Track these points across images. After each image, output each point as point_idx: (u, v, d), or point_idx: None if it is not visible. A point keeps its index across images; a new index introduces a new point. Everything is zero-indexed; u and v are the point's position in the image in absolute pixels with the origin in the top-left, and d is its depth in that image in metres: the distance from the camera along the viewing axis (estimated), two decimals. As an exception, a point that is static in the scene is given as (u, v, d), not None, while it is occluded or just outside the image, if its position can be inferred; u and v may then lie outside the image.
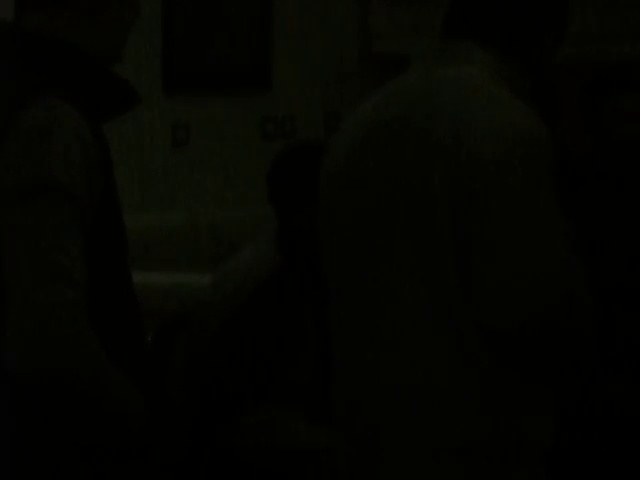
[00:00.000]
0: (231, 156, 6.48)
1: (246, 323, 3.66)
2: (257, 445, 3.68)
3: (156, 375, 2.89)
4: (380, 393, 2.52)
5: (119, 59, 2.39)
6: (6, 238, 2.10)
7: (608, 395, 4.01)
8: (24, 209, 2.10)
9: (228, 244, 5.52)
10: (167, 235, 5.98)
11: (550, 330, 2.44)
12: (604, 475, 3.77)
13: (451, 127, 2.40)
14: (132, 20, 2.40)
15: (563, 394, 2.79)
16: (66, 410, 2.18)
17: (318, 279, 2.83)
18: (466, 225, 2.37)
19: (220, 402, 3.66)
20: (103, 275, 2.18)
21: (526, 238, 2.39)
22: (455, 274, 2.39)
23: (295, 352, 3.71)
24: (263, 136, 6.87)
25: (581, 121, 4.34)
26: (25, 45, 2.34)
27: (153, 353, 3.83)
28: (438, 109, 2.44)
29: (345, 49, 7.68)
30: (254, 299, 3.63)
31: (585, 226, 3.08)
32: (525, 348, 2.45)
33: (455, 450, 2.46)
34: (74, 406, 2.18)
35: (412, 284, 2.49)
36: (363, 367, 2.57)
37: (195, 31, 6.96)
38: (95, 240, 2.13)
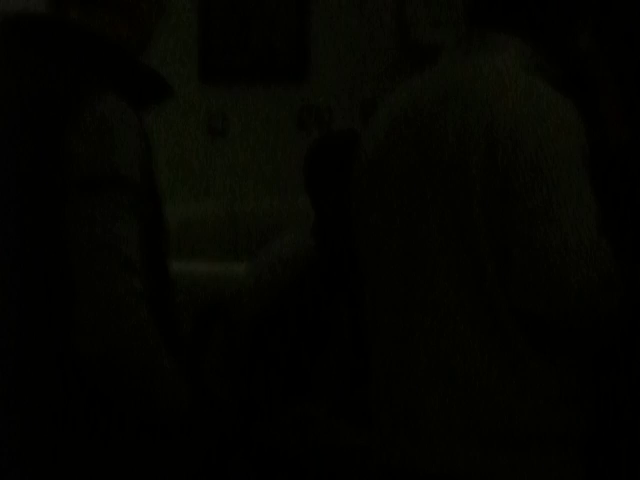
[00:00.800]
0: (267, 145, 6.32)
1: (284, 313, 3.54)
2: (294, 441, 3.56)
3: (195, 364, 3.40)
4: (419, 380, 2.38)
5: (142, 52, 2.36)
6: (72, 229, 2.09)
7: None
8: (91, 202, 2.10)
9: (265, 233, 5.23)
10: (204, 224, 5.83)
11: (584, 313, 2.28)
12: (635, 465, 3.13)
13: (487, 116, 2.28)
14: (160, 16, 2.38)
15: (598, 379, 2.55)
16: (122, 391, 2.16)
17: (353, 269, 2.80)
18: (505, 211, 2.24)
19: (258, 392, 3.53)
20: (150, 264, 2.16)
21: (565, 222, 2.26)
22: (492, 261, 2.26)
23: (332, 345, 3.60)
24: (299, 125, 6.60)
25: (621, 111, 4.81)
26: (67, 40, 2.35)
27: (192, 342, 3.80)
28: (473, 98, 2.33)
29: (382, 38, 7.32)
30: (292, 289, 3.55)
31: (618, 215, 2.69)
32: (560, 332, 2.32)
33: (494, 434, 2.34)
34: (131, 388, 2.17)
35: (449, 271, 2.35)
36: (402, 355, 2.44)
37: (232, 20, 6.82)
38: (146, 230, 2.14)
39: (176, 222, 5.19)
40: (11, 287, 2.26)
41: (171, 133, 6.46)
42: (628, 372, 2.89)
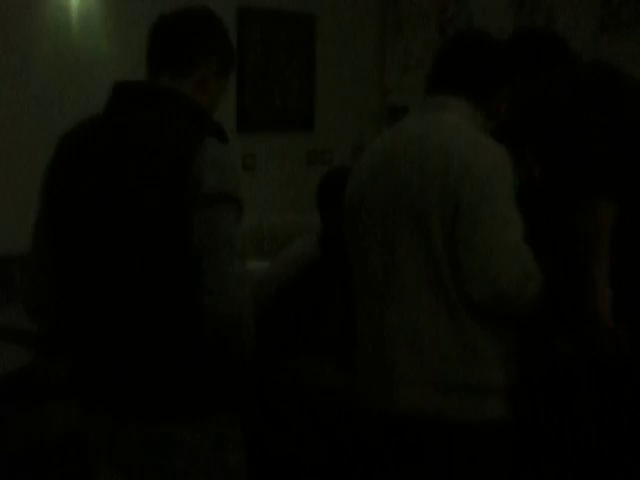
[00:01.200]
0: (285, 177, 6.89)
1: (294, 292, 4.24)
2: (296, 383, 4.20)
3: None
4: (392, 344, 3.12)
5: (213, 112, 3.05)
6: (200, 228, 2.73)
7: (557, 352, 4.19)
8: (216, 210, 2.74)
9: (284, 241, 5.78)
10: (242, 233, 5.91)
11: (511, 298, 2.97)
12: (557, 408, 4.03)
13: (442, 160, 3.01)
14: (225, 88, 3.11)
15: (522, 347, 3.28)
16: (223, 338, 2.80)
17: (345, 263, 3.41)
18: (455, 226, 2.96)
19: (275, 346, 4.13)
20: None
21: (497, 233, 2.95)
22: (446, 261, 2.99)
23: (327, 315, 4.15)
24: (308, 163, 7.38)
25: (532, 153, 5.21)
26: (172, 100, 2.97)
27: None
28: (431, 144, 3.07)
29: (368, 101, 8.03)
30: (301, 275, 4.27)
31: (541, 226, 3.45)
32: (494, 310, 3.00)
33: (445, 384, 3.04)
34: (230, 336, 2.80)
35: (415, 268, 3.08)
36: (379, 326, 3.18)
37: (260, 85, 7.36)
38: None
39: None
40: (159, 265, 2.81)
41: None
42: (546, 342, 3.83)
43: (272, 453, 4.11)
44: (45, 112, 5.95)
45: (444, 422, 3.06)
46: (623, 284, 3.23)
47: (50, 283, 3.04)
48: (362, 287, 3.29)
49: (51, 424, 5.73)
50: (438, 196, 3.01)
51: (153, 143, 2.83)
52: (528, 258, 3.00)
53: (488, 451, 3.10)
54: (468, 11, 7.53)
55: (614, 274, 3.22)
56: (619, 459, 3.41)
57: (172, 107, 2.90)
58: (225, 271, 2.71)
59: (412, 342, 3.08)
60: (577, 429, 3.97)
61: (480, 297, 2.95)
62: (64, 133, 3.06)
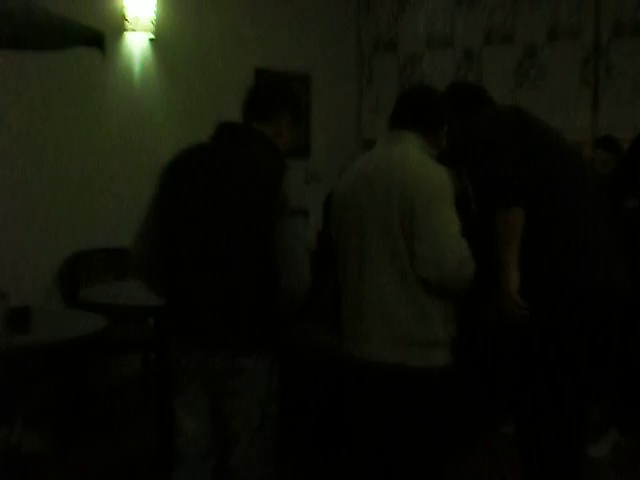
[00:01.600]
0: None
1: None
2: (300, 343, 4.27)
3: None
4: (365, 310, 3.33)
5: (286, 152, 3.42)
6: (284, 230, 3.12)
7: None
8: (293, 219, 3.15)
9: None
10: None
11: (451, 277, 3.18)
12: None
13: (401, 177, 3.25)
14: (294, 134, 3.53)
15: (460, 313, 3.46)
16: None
17: (334, 253, 3.56)
18: (411, 227, 3.18)
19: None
20: None
21: (441, 231, 3.17)
22: (404, 251, 3.21)
23: (322, 291, 4.13)
24: (305, 181, 7.13)
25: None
26: (261, 139, 3.32)
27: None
28: (393, 168, 3.30)
29: (349, 136, 8.18)
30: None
31: (474, 225, 3.64)
32: (439, 285, 3.21)
33: (404, 340, 3.25)
34: (297, 306, 3.31)
35: (382, 256, 3.28)
36: (357, 296, 3.38)
37: None
38: None
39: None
40: (251, 249, 3.16)
41: None
42: (478, 310, 3.99)
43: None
44: (118, 159, 6.14)
45: (403, 368, 3.28)
46: (529, 269, 3.45)
47: (157, 253, 3.38)
48: (345, 271, 3.49)
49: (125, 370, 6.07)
50: (398, 203, 3.25)
51: (252, 169, 3.21)
52: (464, 249, 3.20)
53: (434, 388, 3.31)
54: (421, 70, 7.89)
55: (522, 261, 3.44)
56: (527, 391, 3.67)
57: (260, 144, 3.29)
58: (298, 261, 3.15)
59: (380, 311, 3.31)
60: (498, 372, 4.51)
61: (428, 277, 3.20)
62: (177, 153, 3.51)
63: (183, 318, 3.41)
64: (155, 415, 5.02)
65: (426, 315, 3.27)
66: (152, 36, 6.27)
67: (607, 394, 4.94)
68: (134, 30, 6.15)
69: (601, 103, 7.25)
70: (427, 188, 3.25)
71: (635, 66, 7.10)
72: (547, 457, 3.61)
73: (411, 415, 3.34)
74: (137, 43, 6.26)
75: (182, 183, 3.36)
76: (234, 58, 6.97)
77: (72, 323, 4.37)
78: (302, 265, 3.20)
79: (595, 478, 4.20)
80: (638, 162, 4.87)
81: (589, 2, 7.26)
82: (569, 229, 3.53)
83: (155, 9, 6.25)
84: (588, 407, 3.58)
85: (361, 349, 3.40)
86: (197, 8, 6.61)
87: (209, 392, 3.38)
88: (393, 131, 3.51)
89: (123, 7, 6.09)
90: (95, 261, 5.94)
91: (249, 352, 3.29)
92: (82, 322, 4.31)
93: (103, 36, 0.86)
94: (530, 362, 3.63)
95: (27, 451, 3.58)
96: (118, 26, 6.05)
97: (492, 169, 3.45)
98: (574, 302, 3.49)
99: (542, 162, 3.53)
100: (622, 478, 4.50)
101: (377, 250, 3.33)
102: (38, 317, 4.23)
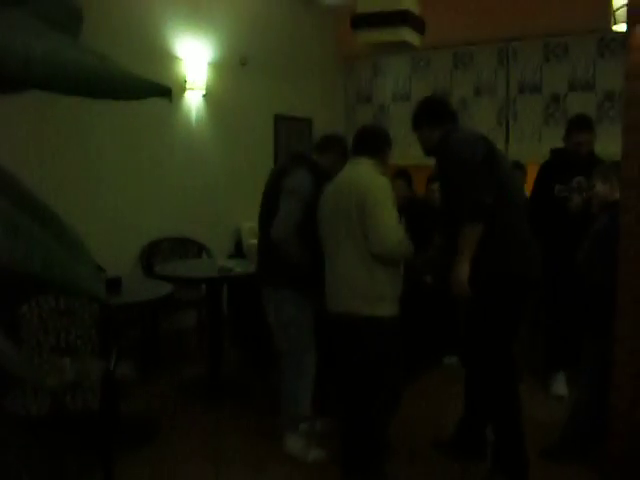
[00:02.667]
0: None
1: None
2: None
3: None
4: (337, 275, 3.35)
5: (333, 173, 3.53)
6: (281, 205, 3.51)
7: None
8: (287, 198, 3.51)
9: None
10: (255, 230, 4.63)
11: (392, 253, 3.21)
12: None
13: (357, 186, 3.28)
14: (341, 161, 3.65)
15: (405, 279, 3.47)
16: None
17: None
18: (364, 219, 3.20)
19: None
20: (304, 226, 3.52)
21: (384, 221, 3.19)
22: (361, 234, 3.21)
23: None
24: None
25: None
26: (317, 167, 3.64)
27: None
28: (355, 183, 3.32)
29: None
30: None
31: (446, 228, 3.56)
32: (386, 257, 3.22)
33: (363, 296, 3.26)
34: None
35: (347, 239, 3.29)
36: (331, 269, 3.42)
37: (285, 152, 7.08)
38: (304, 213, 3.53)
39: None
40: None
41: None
42: (419, 278, 4.19)
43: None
44: (181, 176, 6.15)
45: (361, 316, 3.29)
46: (477, 263, 3.30)
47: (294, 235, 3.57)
48: (325, 251, 3.47)
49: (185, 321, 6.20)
50: (355, 203, 3.26)
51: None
52: (400, 232, 3.24)
53: (380, 330, 3.30)
54: (388, 117, 7.89)
55: (474, 258, 3.29)
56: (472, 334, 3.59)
57: (305, 165, 3.72)
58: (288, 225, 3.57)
59: (345, 277, 3.32)
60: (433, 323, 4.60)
61: (376, 252, 3.23)
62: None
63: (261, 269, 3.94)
64: (207, 352, 5.05)
65: (375, 279, 3.26)
66: (204, 93, 6.31)
67: (551, 347, 4.85)
68: (192, 89, 6.18)
69: (510, 139, 7.23)
70: (373, 193, 3.26)
71: (533, 113, 7.09)
72: (483, 378, 3.57)
73: (365, 347, 3.34)
74: (194, 98, 6.30)
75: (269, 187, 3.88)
76: (259, 107, 7.02)
77: (149, 289, 4.42)
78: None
79: (557, 406, 4.20)
80: (545, 184, 4.68)
81: (502, 69, 7.24)
82: (504, 237, 3.39)
83: (206, 74, 6.31)
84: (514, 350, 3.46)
85: (335, 304, 3.39)
86: (234, 73, 6.65)
87: None
88: (354, 157, 3.52)
89: (184, 73, 6.14)
90: (165, 246, 5.99)
91: (287, 285, 3.72)
92: (156, 288, 4.34)
93: (171, 90, 0.85)
94: (473, 317, 3.57)
95: (119, 376, 3.58)
96: (181, 86, 6.12)
97: (468, 190, 3.25)
98: (503, 282, 3.40)
99: (501, 188, 3.34)
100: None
101: (343, 235, 3.33)
102: (127, 284, 4.32)
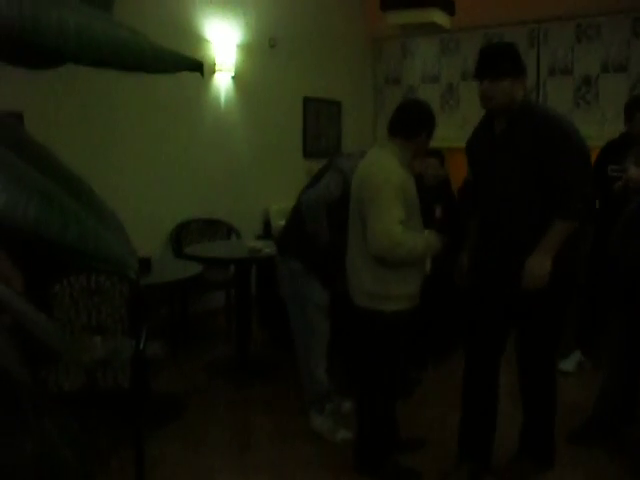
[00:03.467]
0: None
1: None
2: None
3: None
4: (349, 269, 3.28)
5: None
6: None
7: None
8: (333, 173, 3.51)
9: None
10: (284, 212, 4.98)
11: (385, 254, 3.02)
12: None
13: (362, 175, 3.11)
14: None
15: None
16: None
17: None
18: (363, 214, 3.06)
19: None
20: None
21: (377, 219, 2.99)
22: (364, 229, 3.06)
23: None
24: (307, 176, 6.48)
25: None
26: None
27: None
28: (365, 172, 3.11)
29: (368, 143, 7.48)
30: None
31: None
32: (380, 256, 3.04)
33: (368, 292, 3.16)
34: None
35: (355, 232, 3.20)
36: (348, 256, 3.30)
37: (314, 133, 7.25)
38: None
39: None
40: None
41: (295, 175, 6.61)
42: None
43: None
44: (210, 156, 6.12)
45: (367, 310, 3.21)
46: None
47: None
48: (349, 234, 3.29)
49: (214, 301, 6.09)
50: (358, 195, 3.13)
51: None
52: (397, 234, 2.95)
53: (384, 324, 3.20)
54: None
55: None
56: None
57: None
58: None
59: (354, 273, 3.25)
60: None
61: (371, 252, 3.07)
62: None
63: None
64: (235, 332, 5.09)
65: (379, 278, 3.13)
66: (233, 74, 6.32)
67: (574, 324, 4.75)
68: (221, 70, 6.18)
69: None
70: (370, 185, 3.04)
71: (563, 96, 6.96)
72: (532, 363, 3.27)
73: (367, 338, 3.30)
74: (223, 80, 6.30)
75: None
76: (288, 89, 6.98)
77: (179, 269, 4.41)
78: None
79: (564, 386, 4.03)
80: (603, 165, 4.33)
81: (533, 51, 7.11)
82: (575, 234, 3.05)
83: (235, 56, 6.31)
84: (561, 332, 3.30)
85: (352, 295, 3.31)
86: (263, 55, 6.63)
87: None
88: (386, 138, 3.22)
89: (213, 55, 6.13)
90: (194, 227, 6.01)
91: (296, 259, 3.69)
92: (185, 268, 4.35)
93: (202, 64, 0.85)
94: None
95: (149, 354, 3.61)
96: (211, 68, 6.10)
97: (580, 184, 2.89)
98: (570, 281, 3.19)
99: None
100: (583, 388, 4.37)
101: (353, 230, 3.24)
102: (156, 265, 4.35)
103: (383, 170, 3.05)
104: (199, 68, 0.88)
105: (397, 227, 2.96)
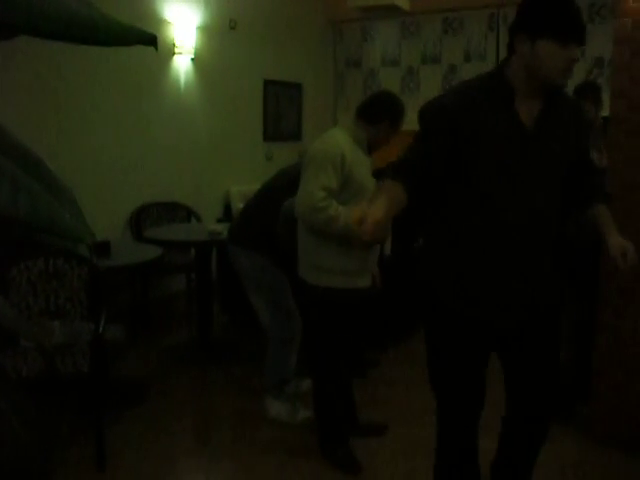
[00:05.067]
0: (286, 164, 4.74)
1: None
2: None
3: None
4: (298, 232, 3.23)
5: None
6: None
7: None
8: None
9: None
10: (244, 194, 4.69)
11: (306, 221, 3.09)
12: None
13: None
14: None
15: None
16: None
17: None
18: None
19: None
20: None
21: (305, 185, 3.01)
22: None
23: None
24: (299, 157, 6.05)
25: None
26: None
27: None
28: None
29: (328, 124, 7.03)
30: None
31: None
32: (303, 223, 3.12)
33: (307, 263, 3.22)
34: None
35: None
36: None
37: (274, 117, 7.21)
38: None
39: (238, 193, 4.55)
40: None
41: (257, 160, 6.83)
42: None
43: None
44: (169, 138, 6.07)
45: (308, 285, 3.21)
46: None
47: None
48: None
49: (174, 285, 6.14)
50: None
51: None
52: (317, 199, 2.95)
53: (320, 302, 3.21)
54: (378, 82, 7.79)
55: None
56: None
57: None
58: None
59: (300, 245, 3.26)
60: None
61: (296, 215, 3.11)
62: None
63: None
64: (196, 315, 5.09)
65: (320, 251, 3.15)
66: (193, 56, 6.26)
67: None
68: (181, 53, 6.12)
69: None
70: (309, 154, 3.12)
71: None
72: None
73: (307, 313, 3.39)
74: (183, 62, 6.24)
75: None
76: (248, 72, 6.96)
77: (138, 252, 4.42)
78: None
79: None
80: None
81: (492, 35, 7.17)
82: None
83: (195, 38, 6.26)
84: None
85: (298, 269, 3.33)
86: (223, 37, 6.57)
87: None
88: (351, 121, 3.30)
89: (173, 37, 6.07)
90: (153, 210, 5.99)
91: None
92: (145, 251, 4.35)
93: (156, 37, 0.83)
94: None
95: (109, 338, 3.56)
96: (170, 50, 6.04)
97: None
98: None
99: None
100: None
101: None
102: (116, 248, 4.34)
103: (325, 142, 3.12)
104: (153, 42, 0.87)
105: (319, 192, 2.98)
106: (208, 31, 6.42)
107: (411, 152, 2.19)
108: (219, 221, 6.14)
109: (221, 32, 6.54)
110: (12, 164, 0.80)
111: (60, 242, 0.88)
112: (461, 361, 2.36)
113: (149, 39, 0.87)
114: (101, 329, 3.35)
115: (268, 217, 3.70)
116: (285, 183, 3.72)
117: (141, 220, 5.83)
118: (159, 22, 5.89)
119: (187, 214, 6.19)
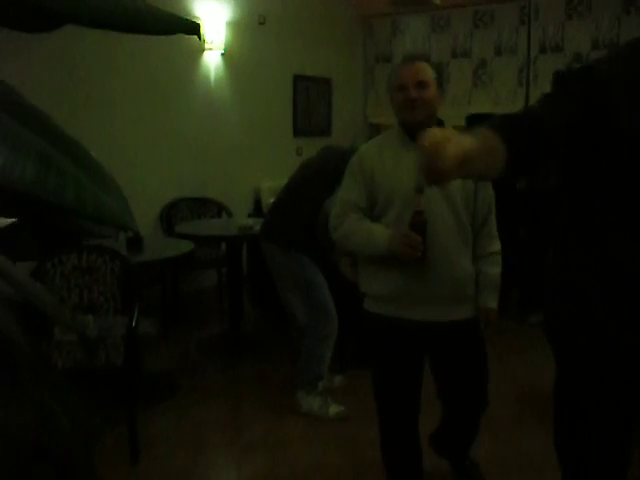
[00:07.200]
0: None
1: None
2: None
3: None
4: None
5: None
6: None
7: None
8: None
9: None
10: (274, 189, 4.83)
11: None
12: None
13: None
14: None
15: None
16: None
17: None
18: None
19: None
20: None
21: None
22: None
23: None
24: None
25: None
26: None
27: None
28: None
29: (357, 121, 7.99)
30: None
31: None
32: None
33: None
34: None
35: None
36: None
37: (304, 112, 7.24)
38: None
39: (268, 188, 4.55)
40: None
41: (289, 155, 6.88)
42: None
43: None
44: (200, 134, 6.11)
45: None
46: None
47: None
48: None
49: (205, 279, 6.15)
50: None
51: None
52: (332, 217, 2.63)
53: (366, 325, 2.71)
54: None
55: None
56: None
57: None
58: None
59: None
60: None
61: None
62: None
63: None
64: (227, 310, 5.10)
65: (360, 273, 2.70)
66: (223, 52, 6.30)
67: None
68: (211, 49, 6.15)
69: (530, 100, 7.06)
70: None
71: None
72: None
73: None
74: (213, 58, 6.27)
75: None
76: (278, 67, 6.97)
77: (170, 247, 4.41)
78: None
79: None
80: None
81: (523, 28, 7.11)
82: None
83: (225, 33, 6.29)
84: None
85: None
86: (253, 33, 6.60)
87: None
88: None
89: (203, 32, 6.07)
90: (185, 206, 6.01)
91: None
92: (177, 246, 4.35)
93: (199, 25, 0.83)
94: None
95: (141, 332, 3.59)
96: (200, 46, 6.07)
97: None
98: None
99: None
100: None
101: None
102: (148, 243, 4.37)
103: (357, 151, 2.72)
104: (196, 31, 0.87)
105: (334, 208, 2.64)
106: (238, 27, 6.44)
107: (532, 109, 1.64)
108: (249, 216, 6.14)
109: (251, 28, 6.56)
110: (60, 154, 0.81)
111: (101, 230, 0.89)
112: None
113: (192, 27, 0.87)
114: (134, 323, 3.37)
115: (304, 213, 3.67)
116: (314, 176, 3.70)
117: (172, 215, 5.86)
118: (189, 18, 5.82)
119: (218, 209, 6.20)
